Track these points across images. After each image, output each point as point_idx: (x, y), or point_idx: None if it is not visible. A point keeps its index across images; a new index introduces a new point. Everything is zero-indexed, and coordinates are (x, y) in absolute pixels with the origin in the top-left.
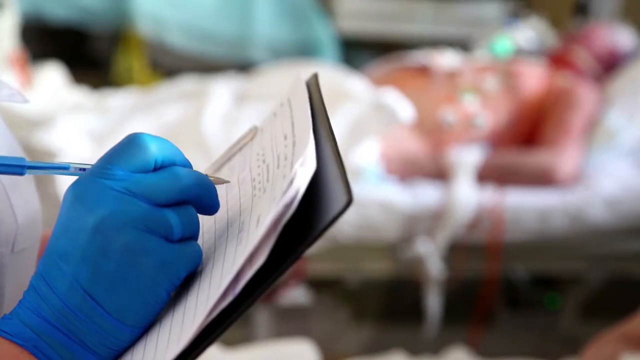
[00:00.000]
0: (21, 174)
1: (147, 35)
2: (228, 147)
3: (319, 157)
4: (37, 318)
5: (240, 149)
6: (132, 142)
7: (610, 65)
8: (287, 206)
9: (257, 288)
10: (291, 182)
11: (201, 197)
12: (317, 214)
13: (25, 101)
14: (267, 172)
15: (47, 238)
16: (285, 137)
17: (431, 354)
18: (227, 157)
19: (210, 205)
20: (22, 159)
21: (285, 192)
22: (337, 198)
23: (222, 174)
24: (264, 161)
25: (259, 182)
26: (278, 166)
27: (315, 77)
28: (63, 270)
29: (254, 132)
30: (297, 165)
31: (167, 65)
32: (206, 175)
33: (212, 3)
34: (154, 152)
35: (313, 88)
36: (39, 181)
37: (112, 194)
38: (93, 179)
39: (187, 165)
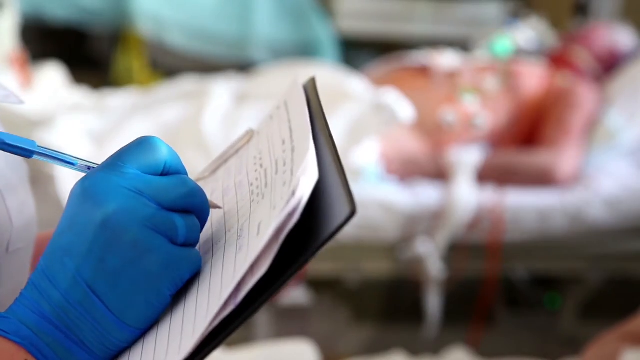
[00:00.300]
0: (29, 156)
1: (147, 35)
2: (224, 150)
3: (320, 164)
4: (35, 316)
5: (237, 151)
6: (144, 143)
7: (610, 65)
8: (290, 216)
9: (259, 295)
10: (294, 192)
11: (201, 210)
12: (320, 223)
13: (21, 102)
14: (265, 177)
15: (43, 239)
16: (284, 142)
17: (431, 354)
18: (223, 160)
19: (203, 220)
20: (33, 142)
21: (288, 201)
22: (340, 208)
23: (219, 176)
24: (261, 165)
25: (257, 187)
26: (277, 172)
27: (312, 81)
28: (66, 264)
29: (250, 134)
30: (298, 174)
31: (167, 65)
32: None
33: (212, 3)
34: (165, 155)
35: (311, 92)
36: (39, 181)
37: (122, 191)
38: (103, 176)
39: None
